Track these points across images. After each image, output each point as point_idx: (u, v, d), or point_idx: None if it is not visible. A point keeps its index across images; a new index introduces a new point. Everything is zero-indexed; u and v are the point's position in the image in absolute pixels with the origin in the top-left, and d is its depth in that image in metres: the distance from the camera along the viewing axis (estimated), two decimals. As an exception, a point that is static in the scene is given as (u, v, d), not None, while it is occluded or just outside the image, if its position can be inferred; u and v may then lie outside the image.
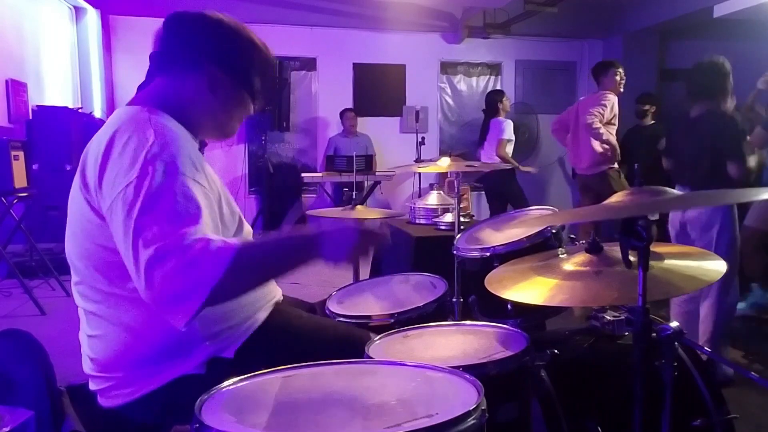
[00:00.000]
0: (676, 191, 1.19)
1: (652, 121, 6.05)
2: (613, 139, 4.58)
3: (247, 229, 1.53)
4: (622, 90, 4.63)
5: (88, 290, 1.33)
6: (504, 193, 5.95)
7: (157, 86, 1.39)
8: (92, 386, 1.39)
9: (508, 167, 5.75)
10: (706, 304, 3.06)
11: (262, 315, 1.48)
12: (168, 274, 1.08)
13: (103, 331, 1.33)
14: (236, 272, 1.10)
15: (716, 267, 1.29)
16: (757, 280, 4.24)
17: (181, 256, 1.08)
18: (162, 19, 1.41)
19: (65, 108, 5.64)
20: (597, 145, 4.54)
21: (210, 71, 1.37)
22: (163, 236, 1.10)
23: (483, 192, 6.64)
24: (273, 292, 1.60)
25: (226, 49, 1.39)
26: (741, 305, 4.16)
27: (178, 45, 1.39)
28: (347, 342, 1.55)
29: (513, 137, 6.01)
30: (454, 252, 2.18)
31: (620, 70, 4.60)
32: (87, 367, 1.39)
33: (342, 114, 7.36)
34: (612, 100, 4.54)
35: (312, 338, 1.52)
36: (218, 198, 1.34)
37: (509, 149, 5.98)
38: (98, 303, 1.32)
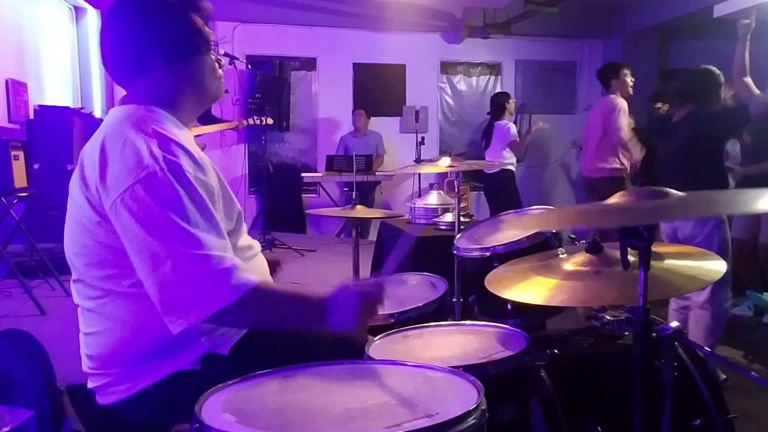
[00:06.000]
0: (678, 192, 1.18)
1: None
2: (636, 153, 4.49)
3: (244, 227, 1.52)
4: (631, 92, 4.56)
5: (86, 288, 1.34)
6: (500, 193, 5.95)
7: (139, 85, 1.39)
8: (90, 384, 1.40)
9: (508, 168, 5.75)
10: (698, 307, 3.02)
11: None
12: (186, 278, 1.15)
13: (99, 327, 1.34)
14: (245, 306, 1.17)
15: (716, 267, 1.29)
16: (749, 285, 4.41)
17: (205, 269, 1.15)
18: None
19: (65, 108, 5.62)
20: (622, 154, 4.43)
21: (158, 60, 1.35)
22: (187, 243, 1.16)
23: (483, 192, 6.65)
24: None
25: (151, 35, 1.35)
26: (739, 308, 4.30)
27: (120, 55, 1.38)
28: (343, 339, 1.55)
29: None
30: (454, 252, 2.18)
31: (629, 71, 4.53)
32: (85, 365, 1.41)
33: (352, 112, 7.38)
34: (623, 105, 4.45)
35: (308, 335, 1.52)
36: (218, 190, 1.34)
37: None
38: (95, 300, 1.33)
